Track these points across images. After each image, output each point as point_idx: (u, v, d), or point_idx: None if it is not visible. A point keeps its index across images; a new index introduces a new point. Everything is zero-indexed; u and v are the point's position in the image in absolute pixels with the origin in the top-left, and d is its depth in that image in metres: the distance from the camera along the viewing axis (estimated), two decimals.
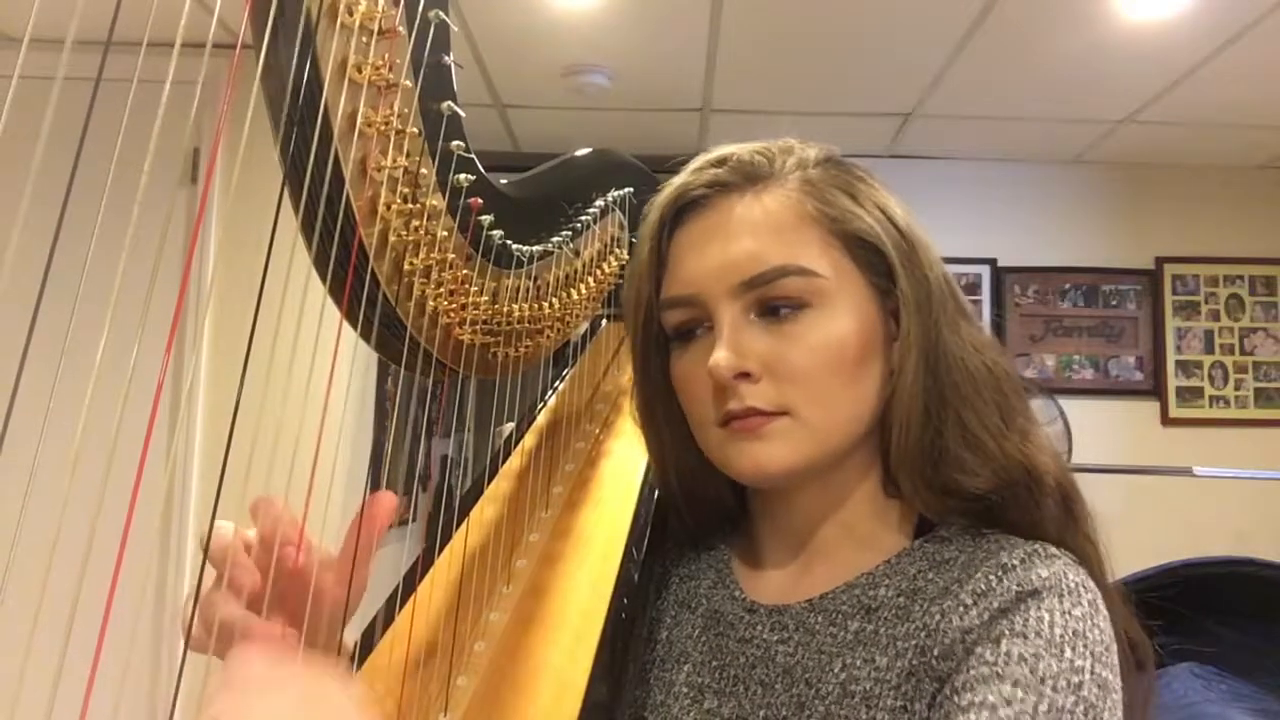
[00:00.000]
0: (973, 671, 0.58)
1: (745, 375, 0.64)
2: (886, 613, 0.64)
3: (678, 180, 0.70)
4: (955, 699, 0.58)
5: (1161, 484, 3.01)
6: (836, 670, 0.64)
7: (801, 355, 0.64)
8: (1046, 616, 0.59)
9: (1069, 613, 0.59)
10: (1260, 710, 1.71)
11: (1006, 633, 0.59)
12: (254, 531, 0.60)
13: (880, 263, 0.66)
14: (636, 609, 0.73)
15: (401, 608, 0.72)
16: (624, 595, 0.72)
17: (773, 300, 0.65)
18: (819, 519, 0.70)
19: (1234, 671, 1.79)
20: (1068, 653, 0.57)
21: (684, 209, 0.69)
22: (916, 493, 0.67)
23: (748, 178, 0.68)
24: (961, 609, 0.61)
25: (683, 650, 0.72)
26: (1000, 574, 0.62)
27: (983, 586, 0.61)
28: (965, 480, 0.65)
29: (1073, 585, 0.61)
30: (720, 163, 0.69)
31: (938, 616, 0.62)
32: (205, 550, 0.58)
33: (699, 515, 0.76)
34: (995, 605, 0.60)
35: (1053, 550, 0.63)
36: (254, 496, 0.62)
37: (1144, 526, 2.87)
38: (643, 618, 0.74)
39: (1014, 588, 0.60)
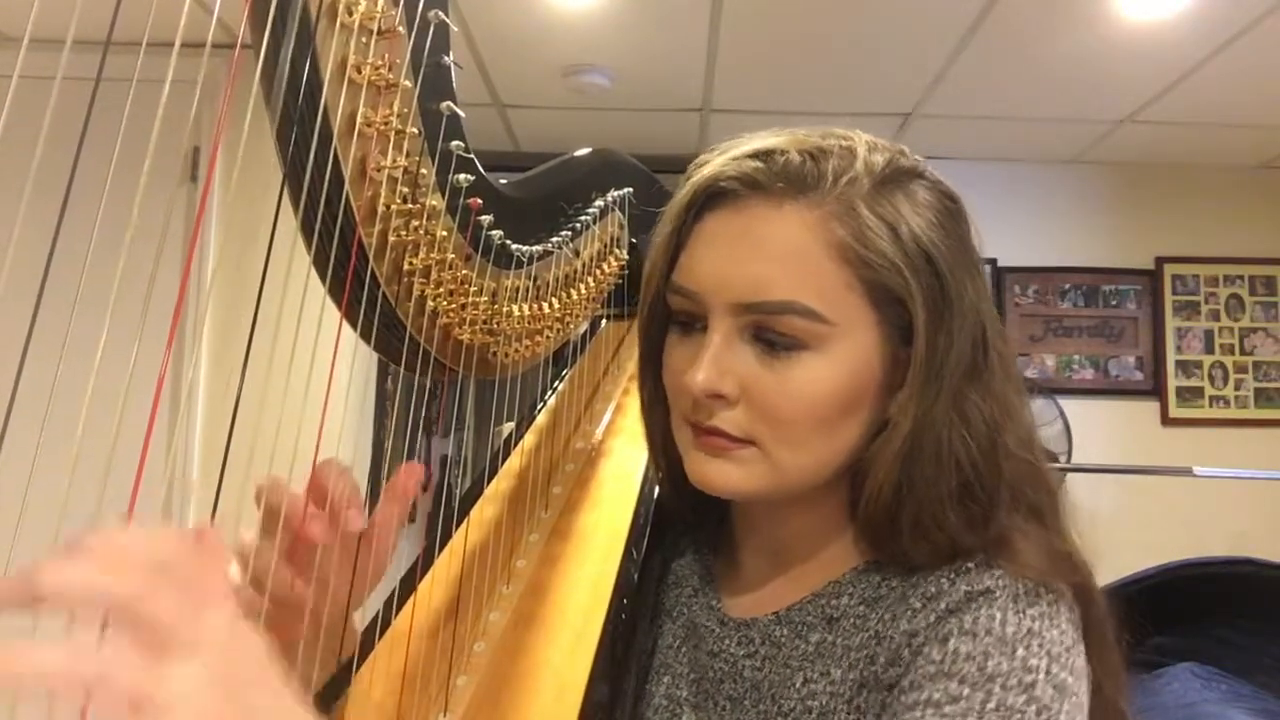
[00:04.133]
0: (919, 671, 0.56)
1: (720, 397, 0.62)
2: (846, 622, 0.63)
3: (717, 162, 0.64)
4: (901, 698, 0.55)
5: (1161, 484, 3.01)
6: (798, 685, 0.62)
7: (783, 395, 0.61)
8: (999, 615, 0.56)
9: (1024, 611, 0.56)
10: (1260, 710, 1.71)
11: (955, 631, 0.56)
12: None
13: (903, 315, 0.61)
14: (636, 609, 0.73)
15: (401, 607, 0.72)
16: (624, 595, 0.72)
17: (770, 331, 0.61)
18: (796, 532, 0.68)
19: (1234, 671, 1.79)
20: (1020, 651, 0.54)
21: (714, 196, 0.64)
22: (876, 548, 0.64)
23: (788, 185, 0.61)
24: (910, 613, 0.59)
25: (663, 661, 0.71)
26: (954, 576, 0.59)
27: (934, 589, 0.59)
28: (917, 560, 0.62)
29: (1031, 585, 0.58)
30: (765, 157, 0.62)
31: (889, 621, 0.60)
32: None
33: (687, 496, 0.72)
34: (943, 606, 0.58)
35: (1020, 555, 0.60)
36: (252, 495, 0.62)
37: (1144, 526, 2.87)
38: (643, 618, 0.74)
39: (964, 588, 0.58)
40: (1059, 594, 0.58)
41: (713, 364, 0.61)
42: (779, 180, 0.61)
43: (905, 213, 0.61)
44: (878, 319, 0.61)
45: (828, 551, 0.67)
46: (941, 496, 0.60)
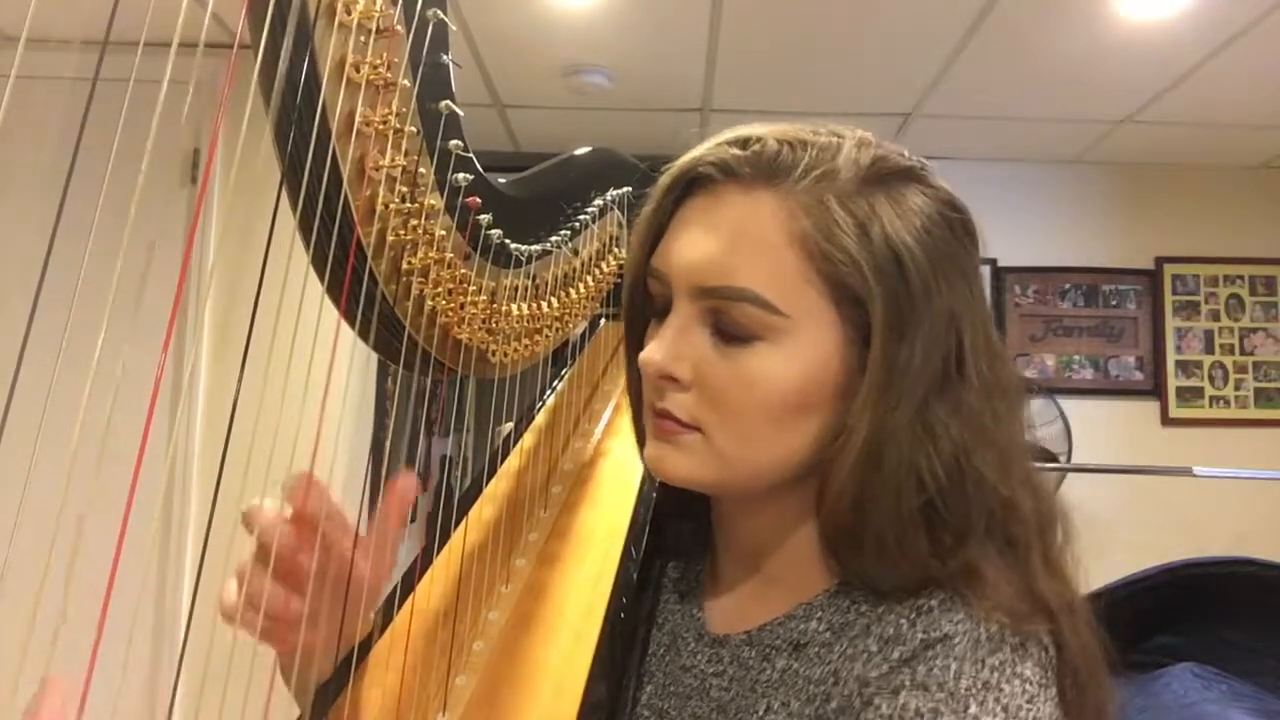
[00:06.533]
0: None
1: (674, 380, 0.61)
2: (812, 650, 0.60)
3: (698, 149, 0.64)
4: None
5: (1161, 484, 3.01)
6: (760, 712, 0.60)
7: (733, 384, 0.60)
8: (953, 666, 0.53)
9: (982, 661, 0.53)
10: (1260, 710, 1.71)
11: (907, 684, 0.53)
12: (289, 509, 0.64)
13: (865, 317, 0.59)
14: (635, 609, 0.73)
15: (400, 607, 0.72)
16: (622, 595, 0.72)
17: (726, 317, 0.60)
18: (763, 536, 0.66)
19: (1234, 671, 1.78)
20: (972, 708, 0.51)
21: (693, 182, 0.64)
22: (843, 566, 0.62)
23: (761, 173, 0.60)
24: (866, 655, 0.56)
25: (647, 668, 0.70)
26: (914, 617, 0.56)
27: (891, 631, 0.56)
28: (883, 586, 0.59)
29: (994, 631, 0.54)
30: (744, 145, 0.62)
31: (848, 660, 0.57)
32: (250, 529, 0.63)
33: (672, 492, 0.70)
34: (897, 655, 0.55)
35: (988, 591, 0.56)
36: (252, 495, 0.62)
37: (1144, 526, 2.87)
38: (642, 618, 0.74)
39: (920, 635, 0.55)
40: (1026, 637, 0.55)
41: (668, 345, 0.61)
42: (750, 167, 0.61)
43: (882, 213, 0.59)
44: (838, 318, 0.59)
45: (800, 564, 0.64)
46: (903, 515, 0.58)
